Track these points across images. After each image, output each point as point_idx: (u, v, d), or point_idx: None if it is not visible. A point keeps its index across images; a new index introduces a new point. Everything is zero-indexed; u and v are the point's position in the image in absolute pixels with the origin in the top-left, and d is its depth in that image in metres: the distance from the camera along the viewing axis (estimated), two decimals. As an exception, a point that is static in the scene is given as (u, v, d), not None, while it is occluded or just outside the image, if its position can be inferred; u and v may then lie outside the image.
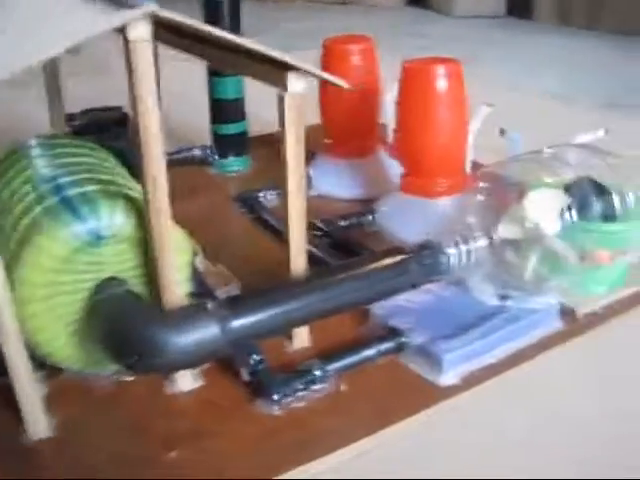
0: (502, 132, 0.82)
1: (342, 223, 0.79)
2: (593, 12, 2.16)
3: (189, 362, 0.50)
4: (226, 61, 0.58)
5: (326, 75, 0.52)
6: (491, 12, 2.41)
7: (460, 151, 0.77)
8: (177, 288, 0.53)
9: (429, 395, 0.56)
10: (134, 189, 0.58)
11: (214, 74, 0.92)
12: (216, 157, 0.96)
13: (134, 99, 0.46)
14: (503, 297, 0.63)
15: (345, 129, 0.87)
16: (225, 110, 0.95)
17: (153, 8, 0.44)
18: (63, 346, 0.54)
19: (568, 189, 0.64)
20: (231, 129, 0.95)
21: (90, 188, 0.55)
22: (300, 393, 0.55)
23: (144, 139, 0.47)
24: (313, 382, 0.55)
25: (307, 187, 0.87)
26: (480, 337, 0.59)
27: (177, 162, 0.94)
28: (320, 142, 0.90)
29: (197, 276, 0.60)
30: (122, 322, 0.50)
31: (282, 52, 0.50)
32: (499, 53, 1.91)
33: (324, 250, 0.73)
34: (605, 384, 0.60)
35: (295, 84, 0.51)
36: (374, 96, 0.87)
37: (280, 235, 0.70)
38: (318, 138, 0.90)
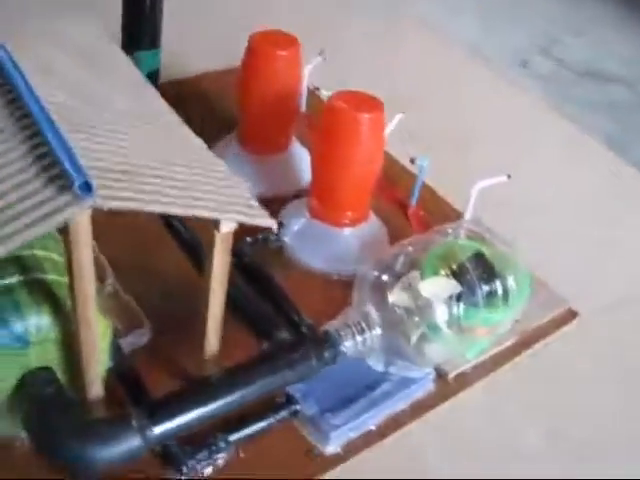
0: (412, 161, 0.87)
1: (249, 240, 0.82)
2: None
3: (111, 469, 0.56)
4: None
5: (258, 220, 0.54)
6: None
7: (370, 186, 0.81)
8: (99, 382, 0.58)
9: (317, 464, 0.65)
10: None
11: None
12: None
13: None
14: (387, 364, 0.72)
15: (261, 127, 0.88)
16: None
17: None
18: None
19: (459, 274, 0.71)
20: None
21: (17, 280, 0.56)
22: (205, 462, 0.63)
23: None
24: (217, 452, 0.63)
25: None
26: (365, 409, 0.68)
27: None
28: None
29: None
30: (50, 432, 0.54)
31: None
32: None
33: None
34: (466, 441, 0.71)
35: (227, 226, 0.54)
36: (295, 95, 0.87)
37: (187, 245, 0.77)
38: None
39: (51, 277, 0.58)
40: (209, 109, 1.03)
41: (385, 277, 0.72)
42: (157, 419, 0.56)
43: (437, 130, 1.08)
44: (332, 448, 0.66)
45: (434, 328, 0.70)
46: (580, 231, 0.97)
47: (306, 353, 0.63)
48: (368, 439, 0.68)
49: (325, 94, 0.82)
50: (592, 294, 0.87)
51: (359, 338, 0.66)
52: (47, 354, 0.57)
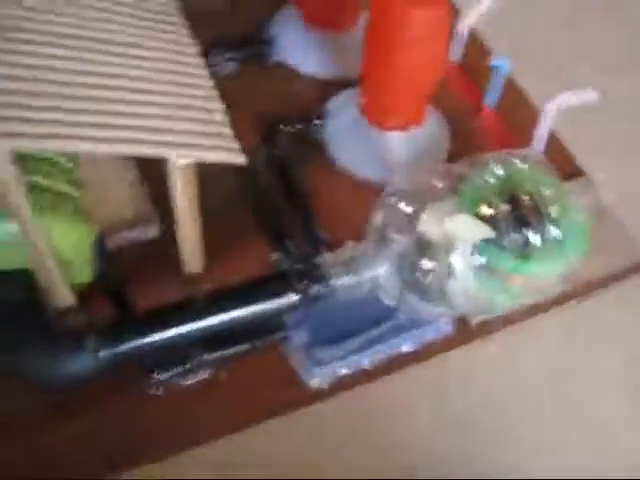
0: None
1: (285, 129, 0.75)
2: None
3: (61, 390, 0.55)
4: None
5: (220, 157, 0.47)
6: None
7: (425, 93, 0.70)
8: (66, 291, 0.56)
9: (300, 395, 0.61)
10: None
11: None
12: None
13: None
14: (400, 300, 0.65)
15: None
16: None
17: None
18: None
19: (494, 215, 0.61)
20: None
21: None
22: (178, 378, 0.61)
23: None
24: (190, 371, 0.60)
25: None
26: (362, 346, 0.63)
27: None
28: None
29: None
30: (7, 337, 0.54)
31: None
32: None
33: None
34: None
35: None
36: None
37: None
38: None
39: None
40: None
41: (415, 202, 0.63)
42: (110, 342, 0.54)
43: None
44: (316, 382, 0.62)
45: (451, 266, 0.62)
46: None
47: (287, 287, 0.58)
48: (360, 378, 0.63)
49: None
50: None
51: (351, 279, 0.59)
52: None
